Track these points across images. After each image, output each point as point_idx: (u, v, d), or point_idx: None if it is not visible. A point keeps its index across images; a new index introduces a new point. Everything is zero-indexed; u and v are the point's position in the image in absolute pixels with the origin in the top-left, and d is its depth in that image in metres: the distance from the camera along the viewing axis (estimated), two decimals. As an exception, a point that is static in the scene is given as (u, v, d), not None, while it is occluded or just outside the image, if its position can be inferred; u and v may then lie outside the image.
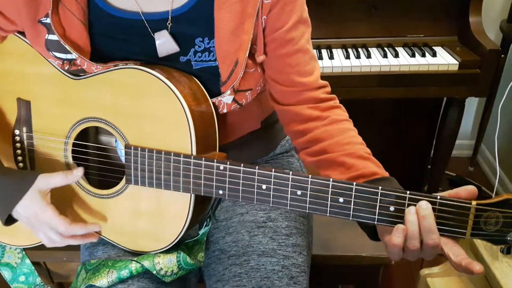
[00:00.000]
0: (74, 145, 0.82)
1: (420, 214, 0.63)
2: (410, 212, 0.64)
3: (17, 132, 0.85)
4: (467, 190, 0.65)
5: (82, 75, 0.78)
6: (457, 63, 1.55)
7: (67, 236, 0.79)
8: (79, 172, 0.78)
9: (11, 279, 1.00)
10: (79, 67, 0.78)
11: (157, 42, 0.76)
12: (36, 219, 0.77)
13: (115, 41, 0.78)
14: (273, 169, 0.69)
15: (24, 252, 1.01)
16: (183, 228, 0.78)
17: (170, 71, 0.76)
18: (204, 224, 0.88)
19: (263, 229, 0.87)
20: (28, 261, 1.01)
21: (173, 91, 0.72)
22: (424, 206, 0.63)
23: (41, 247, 0.91)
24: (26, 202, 0.76)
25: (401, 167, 1.49)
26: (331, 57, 1.60)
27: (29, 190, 0.76)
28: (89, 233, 0.81)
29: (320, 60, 1.59)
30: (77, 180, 0.80)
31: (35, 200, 0.76)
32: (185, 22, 0.76)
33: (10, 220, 0.79)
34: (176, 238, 0.79)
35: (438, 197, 0.64)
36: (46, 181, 0.77)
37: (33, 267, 1.01)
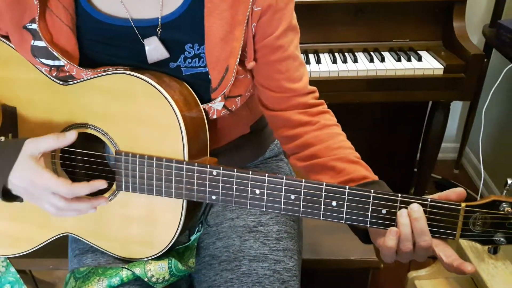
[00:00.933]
0: (62, 151, 0.80)
1: (412, 217, 0.64)
2: (402, 215, 0.65)
3: (2, 138, 0.83)
4: (457, 192, 0.66)
5: (71, 81, 0.77)
6: (442, 67, 1.57)
7: (71, 199, 0.72)
8: (72, 135, 0.73)
9: (-4, 289, 0.98)
10: (67, 73, 0.77)
11: (146, 48, 0.76)
12: (35, 187, 0.71)
13: (104, 47, 0.77)
14: (266, 174, 0.69)
15: (8, 261, 0.99)
16: (175, 234, 0.77)
17: (161, 76, 0.76)
18: (196, 230, 0.88)
19: (254, 234, 0.87)
20: (13, 269, 0.99)
21: (164, 96, 0.71)
22: (416, 208, 0.64)
23: (27, 255, 0.89)
24: (19, 171, 0.71)
25: (388, 170, 1.50)
26: (318, 61, 1.61)
27: (19, 158, 0.71)
28: (96, 197, 0.76)
29: (308, 65, 1.60)
30: (69, 143, 0.73)
31: (28, 167, 0.71)
32: (174, 29, 0.75)
33: (8, 196, 0.74)
34: (168, 244, 0.78)
35: (429, 199, 0.65)
36: (35, 145, 0.72)
37: (18, 275, 0.99)
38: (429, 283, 1.29)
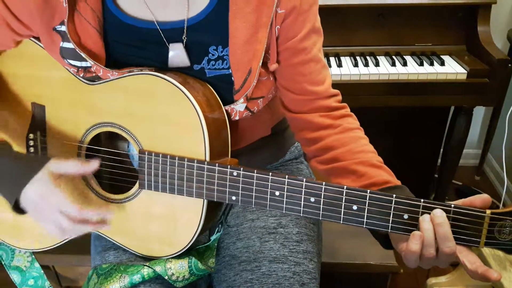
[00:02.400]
0: (87, 149, 0.82)
1: (435, 222, 0.63)
2: (425, 220, 0.64)
3: (31, 136, 0.85)
4: (482, 198, 0.65)
5: (97, 81, 0.79)
6: (465, 72, 1.55)
7: (78, 220, 0.73)
8: (95, 163, 0.74)
9: (21, 283, 1.00)
10: (94, 74, 0.78)
11: (170, 53, 0.77)
12: (46, 203, 0.72)
13: (130, 48, 0.78)
14: (286, 176, 0.69)
15: (33, 256, 1.01)
16: (195, 234, 0.78)
17: (185, 77, 0.77)
18: (216, 230, 0.89)
19: (274, 235, 0.87)
20: (37, 264, 1.01)
21: (187, 97, 0.72)
22: (439, 214, 0.64)
23: (51, 251, 0.91)
24: (35, 184, 0.72)
25: (408, 175, 1.49)
26: (339, 65, 1.61)
27: (40, 171, 0.72)
28: (100, 223, 0.76)
29: (329, 68, 1.59)
30: (90, 171, 0.75)
31: (45, 182, 0.72)
32: (199, 31, 0.76)
33: (18, 208, 0.75)
34: (188, 244, 0.79)
35: (452, 205, 0.64)
36: (58, 165, 0.74)
37: (42, 271, 1.02)
38: (449, 291, 1.28)
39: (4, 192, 0.75)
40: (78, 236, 0.77)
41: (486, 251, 1.18)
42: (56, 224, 0.74)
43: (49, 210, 0.73)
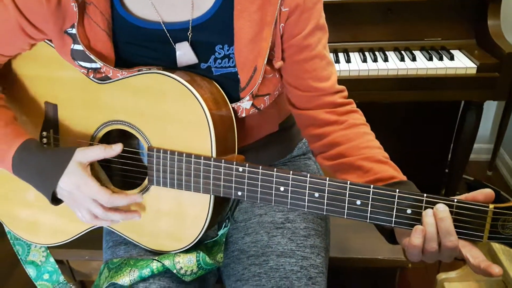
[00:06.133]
0: (98, 147, 0.84)
1: (437, 216, 0.64)
2: (428, 214, 0.65)
3: (44, 134, 0.88)
4: (484, 193, 0.65)
5: (107, 80, 0.81)
6: (475, 66, 1.54)
7: (109, 209, 0.80)
8: (118, 147, 0.79)
9: (36, 277, 1.03)
10: (104, 75, 0.80)
11: (177, 53, 0.79)
12: (79, 192, 0.78)
13: (138, 49, 0.80)
14: (291, 172, 0.71)
15: (48, 251, 1.04)
16: (202, 228, 0.79)
17: (192, 76, 0.79)
18: (223, 225, 0.90)
19: (281, 230, 0.88)
20: (52, 259, 1.04)
21: (194, 95, 0.74)
22: (441, 208, 0.64)
23: (65, 246, 0.94)
24: (67, 176, 0.77)
25: (418, 171, 1.49)
26: (348, 60, 1.61)
27: (69, 164, 0.77)
28: (131, 211, 0.83)
29: (337, 64, 1.60)
30: (115, 155, 0.80)
31: (76, 173, 0.77)
32: (205, 31, 0.78)
33: (54, 199, 0.80)
34: (196, 238, 0.81)
35: (455, 200, 0.65)
36: (84, 154, 0.78)
37: (57, 266, 1.04)
38: (459, 286, 1.27)
39: (40, 188, 0.80)
40: (108, 224, 0.84)
41: (496, 245, 1.17)
42: (90, 211, 0.80)
43: (83, 199, 0.79)
